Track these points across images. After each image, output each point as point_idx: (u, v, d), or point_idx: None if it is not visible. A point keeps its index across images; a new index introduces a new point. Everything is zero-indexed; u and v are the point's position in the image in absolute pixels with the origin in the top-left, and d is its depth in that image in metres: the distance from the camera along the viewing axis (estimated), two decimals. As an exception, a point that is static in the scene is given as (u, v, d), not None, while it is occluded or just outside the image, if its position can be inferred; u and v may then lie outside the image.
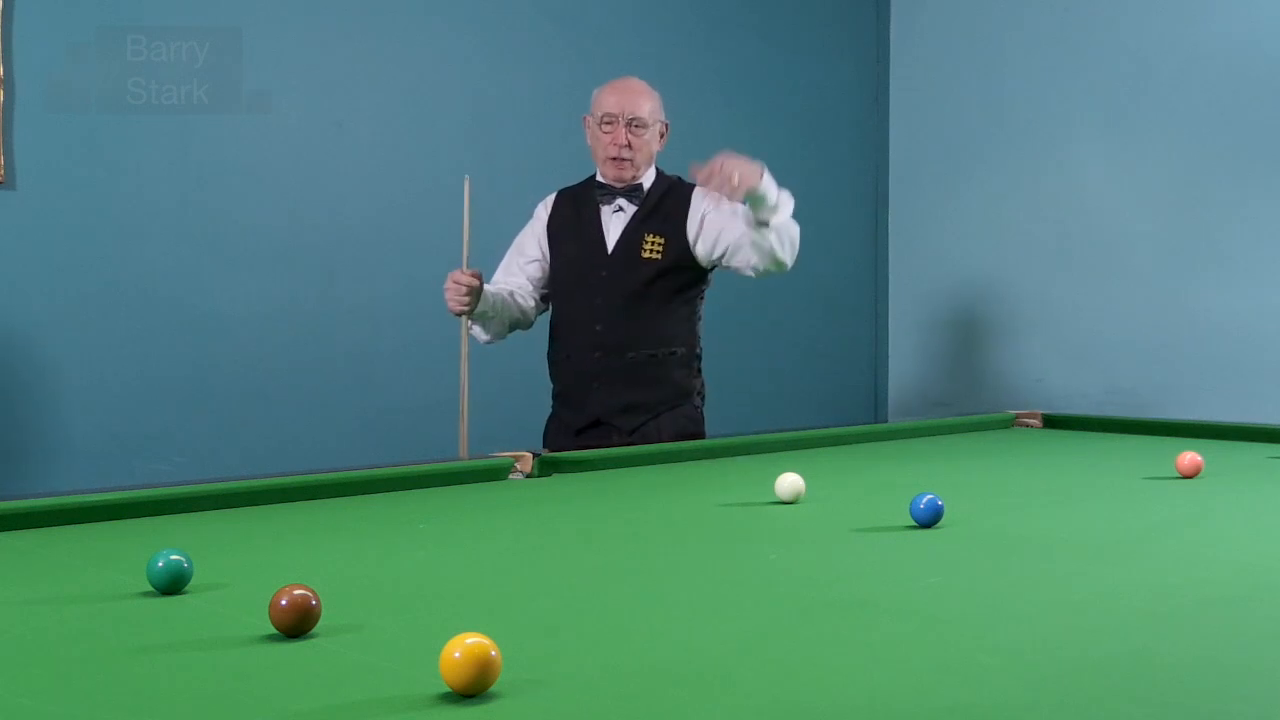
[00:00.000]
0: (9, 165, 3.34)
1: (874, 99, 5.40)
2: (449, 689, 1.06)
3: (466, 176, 2.93)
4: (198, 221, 3.67)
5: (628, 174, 3.00)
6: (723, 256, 3.00)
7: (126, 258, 3.55)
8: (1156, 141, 4.54)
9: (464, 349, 2.95)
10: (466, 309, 2.89)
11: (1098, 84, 4.69)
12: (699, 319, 3.12)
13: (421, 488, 2.35)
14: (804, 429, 3.23)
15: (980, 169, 5.07)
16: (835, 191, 5.27)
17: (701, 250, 3.00)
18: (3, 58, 3.32)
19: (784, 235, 2.92)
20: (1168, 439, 3.13)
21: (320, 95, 3.90)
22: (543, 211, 3.13)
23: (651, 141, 3.03)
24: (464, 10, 4.19)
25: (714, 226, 2.98)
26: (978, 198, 5.08)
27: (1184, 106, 4.46)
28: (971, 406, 4.87)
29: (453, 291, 2.87)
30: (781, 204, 2.87)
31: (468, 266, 2.89)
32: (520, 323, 3.12)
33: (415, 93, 4.08)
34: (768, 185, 2.79)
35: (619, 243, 3.00)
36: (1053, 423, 3.51)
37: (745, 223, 2.89)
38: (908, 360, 5.36)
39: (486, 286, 2.98)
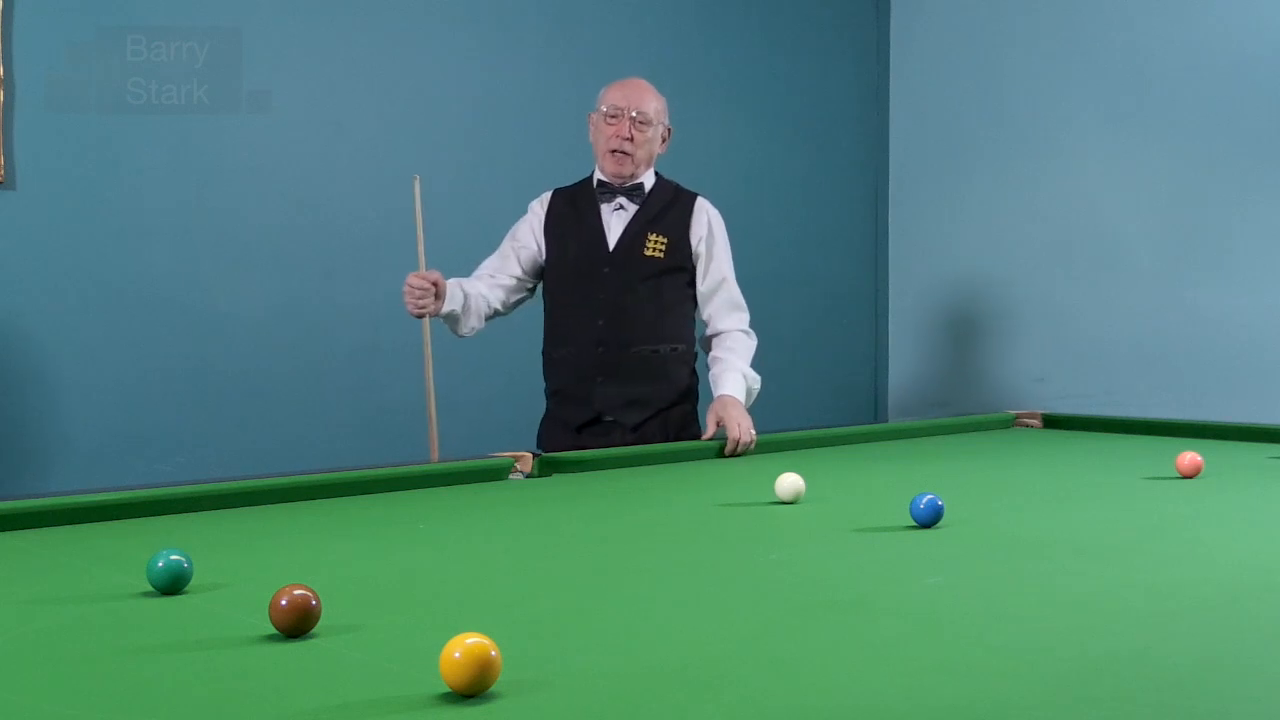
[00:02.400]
0: (9, 165, 3.34)
1: (874, 99, 5.40)
2: (449, 689, 1.06)
3: (415, 176, 2.93)
4: (198, 221, 3.67)
5: (627, 170, 3.01)
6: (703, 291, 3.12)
7: (126, 258, 3.55)
8: (1157, 141, 4.54)
9: (427, 351, 2.94)
10: (424, 312, 2.88)
11: (1098, 84, 4.69)
12: (695, 319, 3.14)
13: (421, 488, 2.35)
14: (804, 429, 3.23)
15: (980, 168, 5.07)
16: (835, 191, 5.27)
17: (698, 268, 3.08)
18: (3, 58, 3.32)
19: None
20: (1168, 439, 3.13)
21: (320, 95, 3.90)
22: (539, 208, 3.13)
23: (654, 141, 3.04)
24: (464, 10, 4.19)
25: (712, 269, 3.09)
26: (978, 197, 5.08)
27: (1184, 106, 4.45)
28: (971, 406, 4.87)
29: (410, 295, 2.86)
30: (752, 384, 3.07)
31: (424, 268, 2.89)
32: (499, 312, 3.11)
33: (415, 93, 4.08)
34: (749, 397, 3.05)
35: (621, 240, 3.01)
36: (1053, 423, 3.51)
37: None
38: (908, 360, 5.36)
39: (459, 281, 2.98)
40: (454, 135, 4.15)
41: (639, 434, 2.99)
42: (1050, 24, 4.84)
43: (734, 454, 2.85)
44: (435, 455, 2.89)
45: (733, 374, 3.00)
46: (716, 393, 2.98)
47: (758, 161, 4.96)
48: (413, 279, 2.87)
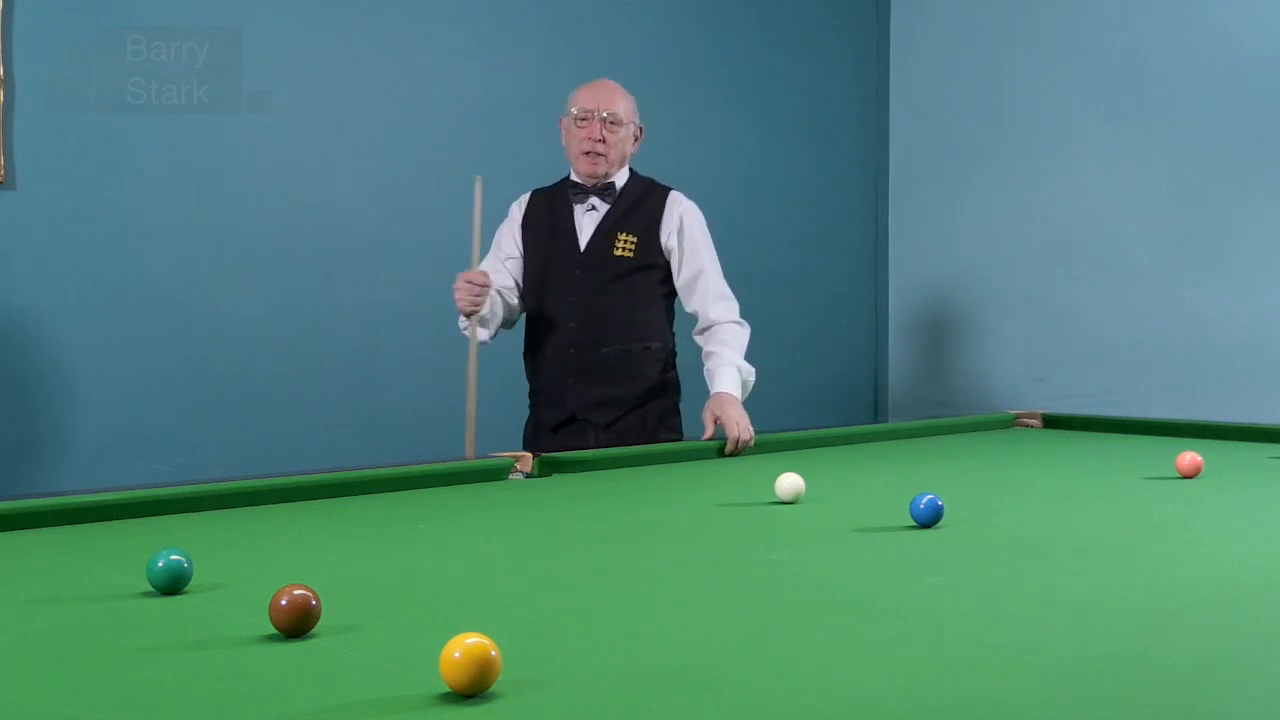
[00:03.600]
0: (9, 165, 3.34)
1: (874, 99, 5.40)
2: (449, 689, 1.06)
3: (479, 177, 2.92)
4: (198, 221, 3.67)
5: (600, 169, 3.02)
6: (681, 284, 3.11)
7: (126, 258, 3.55)
8: (1157, 141, 4.54)
9: (472, 351, 2.95)
10: (477, 309, 2.89)
11: (1098, 84, 4.69)
12: (672, 316, 3.14)
13: (422, 488, 2.35)
14: (804, 429, 3.22)
15: (980, 168, 5.07)
16: (835, 191, 5.27)
17: (673, 262, 3.08)
18: (3, 58, 3.32)
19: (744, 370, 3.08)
20: (1168, 439, 3.13)
21: (320, 95, 3.90)
22: (517, 211, 3.15)
23: (625, 141, 3.05)
24: (464, 10, 4.19)
25: (687, 261, 3.08)
26: (978, 197, 5.08)
27: (1184, 106, 4.46)
28: (971, 406, 4.87)
29: (464, 291, 2.86)
30: (747, 377, 3.05)
31: (478, 267, 2.90)
32: (509, 321, 3.13)
33: (415, 93, 4.08)
34: (744, 390, 3.02)
35: (591, 241, 3.03)
36: (1053, 423, 3.51)
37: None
38: (907, 360, 5.36)
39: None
40: (454, 135, 4.15)
41: (614, 431, 2.99)
42: (1050, 24, 4.84)
43: (734, 453, 2.85)
44: (471, 453, 2.89)
45: (727, 369, 2.99)
46: (713, 390, 2.97)
47: (758, 161, 4.96)
48: (472, 275, 2.87)
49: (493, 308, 3.00)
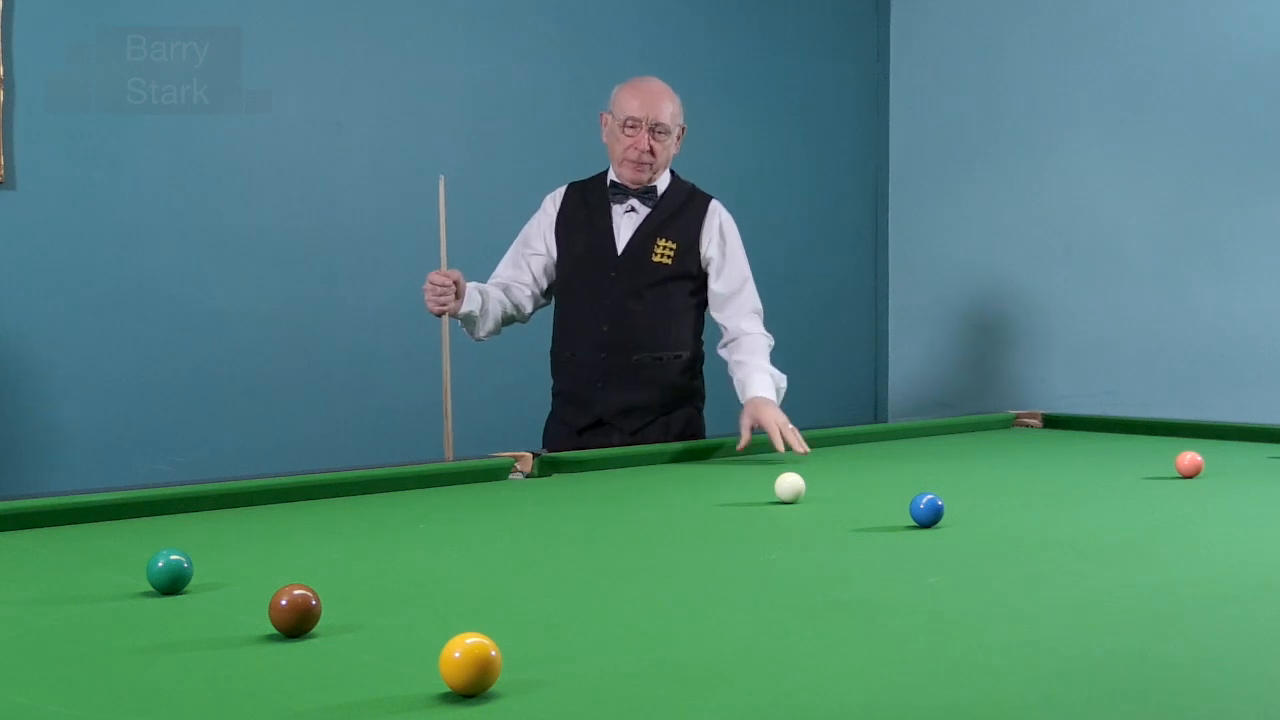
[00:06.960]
0: (9, 165, 3.34)
1: (874, 99, 5.40)
2: (449, 689, 1.06)
3: (441, 176, 2.92)
4: (198, 221, 3.67)
5: (645, 176, 2.99)
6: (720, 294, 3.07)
7: (126, 258, 3.55)
8: (1157, 141, 4.54)
9: (445, 350, 2.94)
10: (445, 309, 2.87)
11: (1098, 84, 4.69)
12: (703, 324, 3.11)
13: (422, 488, 2.35)
14: (803, 429, 3.22)
15: (980, 169, 5.07)
16: (835, 191, 5.27)
17: (711, 271, 3.04)
18: (3, 58, 3.32)
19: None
20: (1168, 439, 3.13)
21: (320, 95, 3.90)
22: (551, 205, 3.11)
23: (670, 146, 3.01)
24: (463, 10, 4.19)
25: (728, 271, 3.04)
26: (978, 198, 5.08)
27: (1184, 106, 4.45)
28: (972, 406, 4.87)
29: (431, 292, 2.85)
30: (779, 383, 3.01)
31: (446, 267, 2.89)
32: (515, 318, 3.11)
33: (415, 92, 4.08)
34: (778, 396, 2.97)
35: (630, 244, 2.99)
36: (1053, 423, 3.51)
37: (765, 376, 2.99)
38: (908, 360, 5.36)
39: (477, 284, 2.97)
40: (454, 135, 4.15)
41: (640, 437, 2.98)
42: (1050, 24, 4.84)
43: (790, 450, 2.76)
44: (450, 455, 2.88)
45: (760, 375, 2.93)
46: (747, 395, 2.89)
47: (758, 161, 4.96)
48: (434, 276, 2.85)
49: (484, 307, 2.98)
